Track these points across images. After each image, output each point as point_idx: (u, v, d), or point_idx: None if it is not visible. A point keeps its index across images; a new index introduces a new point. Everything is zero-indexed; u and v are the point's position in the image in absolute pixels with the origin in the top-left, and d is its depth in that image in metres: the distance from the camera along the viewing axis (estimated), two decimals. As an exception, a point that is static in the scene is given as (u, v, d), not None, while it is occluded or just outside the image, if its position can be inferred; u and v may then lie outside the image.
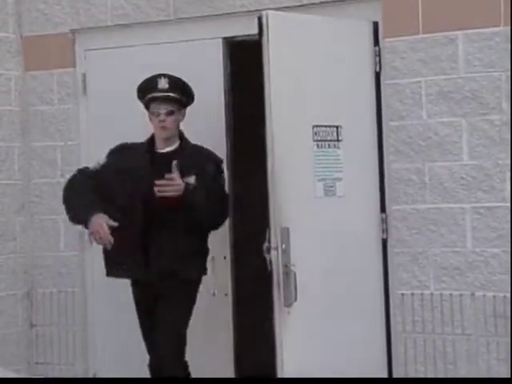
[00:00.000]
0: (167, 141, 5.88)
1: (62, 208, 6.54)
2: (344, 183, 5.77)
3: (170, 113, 5.79)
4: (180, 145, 5.94)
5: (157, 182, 5.60)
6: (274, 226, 5.31)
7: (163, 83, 5.73)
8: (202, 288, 5.98)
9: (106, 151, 6.20)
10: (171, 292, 5.78)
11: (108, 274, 5.97)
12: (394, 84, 5.89)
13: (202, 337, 6.29)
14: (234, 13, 6.28)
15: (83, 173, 6.01)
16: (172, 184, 5.60)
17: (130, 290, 6.35)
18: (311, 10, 6.02)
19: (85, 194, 5.80)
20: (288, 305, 5.31)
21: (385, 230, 5.95)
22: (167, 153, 5.87)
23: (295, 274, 5.29)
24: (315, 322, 5.53)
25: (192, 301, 5.90)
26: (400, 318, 5.89)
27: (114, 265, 5.86)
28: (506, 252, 5.58)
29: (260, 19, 5.35)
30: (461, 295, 5.70)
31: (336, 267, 5.63)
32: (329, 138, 5.72)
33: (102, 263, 5.92)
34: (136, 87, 5.89)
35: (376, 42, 5.95)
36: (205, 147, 5.97)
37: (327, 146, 5.72)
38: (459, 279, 5.71)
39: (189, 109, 5.96)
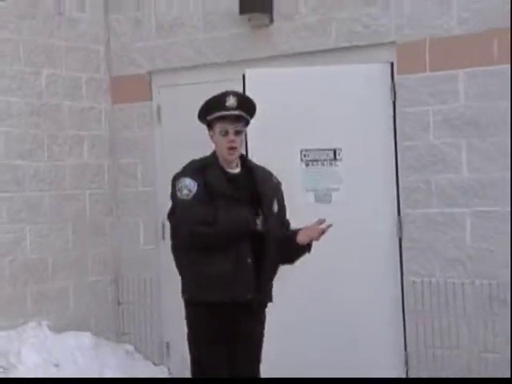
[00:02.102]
0: (232, 163, 4.36)
1: (142, 210, 6.74)
2: (341, 193, 5.69)
3: (239, 132, 4.32)
4: (247, 165, 4.43)
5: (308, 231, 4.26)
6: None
7: (232, 101, 4.28)
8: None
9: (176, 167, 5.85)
10: (259, 316, 4.42)
11: (195, 297, 4.32)
12: (406, 112, 5.60)
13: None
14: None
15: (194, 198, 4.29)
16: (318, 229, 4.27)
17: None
18: (339, 55, 5.86)
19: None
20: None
21: (399, 230, 5.67)
22: (238, 175, 4.38)
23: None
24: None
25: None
26: (412, 301, 5.60)
27: (211, 285, 4.20)
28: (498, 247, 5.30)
29: (244, 76, 5.69)
30: (462, 283, 5.42)
31: (341, 259, 5.53)
32: (323, 158, 5.71)
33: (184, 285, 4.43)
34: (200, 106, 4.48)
35: (392, 78, 5.69)
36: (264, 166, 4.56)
37: (320, 164, 5.72)
38: (460, 269, 5.42)
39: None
